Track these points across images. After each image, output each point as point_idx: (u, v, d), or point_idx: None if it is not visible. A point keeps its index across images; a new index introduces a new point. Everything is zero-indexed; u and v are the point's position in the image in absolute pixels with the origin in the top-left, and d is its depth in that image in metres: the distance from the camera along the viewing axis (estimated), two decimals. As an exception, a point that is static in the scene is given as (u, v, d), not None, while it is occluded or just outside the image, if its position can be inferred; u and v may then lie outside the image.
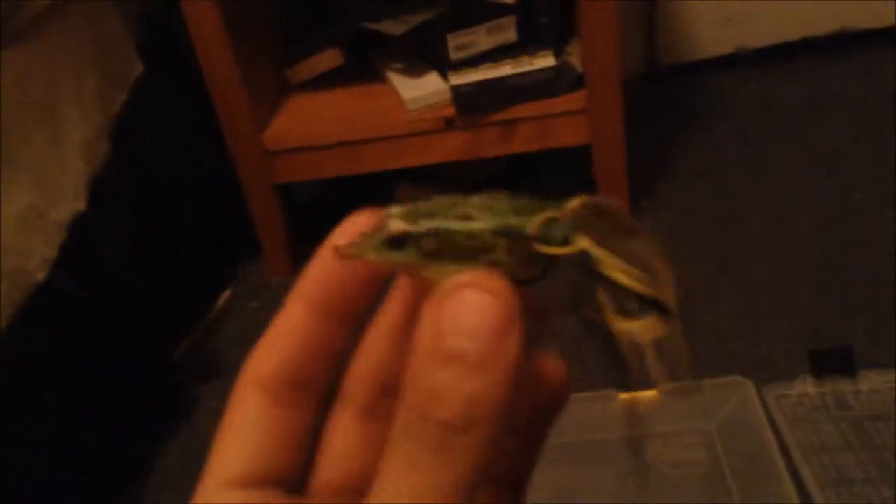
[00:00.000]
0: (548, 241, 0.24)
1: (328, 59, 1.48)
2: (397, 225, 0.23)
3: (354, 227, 0.25)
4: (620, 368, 0.25)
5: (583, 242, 0.24)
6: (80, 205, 1.06)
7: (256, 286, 1.52)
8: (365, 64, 1.51)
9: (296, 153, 1.41)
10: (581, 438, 1.04)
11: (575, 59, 1.33)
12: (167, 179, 1.36)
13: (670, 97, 1.84)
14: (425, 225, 0.23)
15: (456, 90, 1.32)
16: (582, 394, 1.06)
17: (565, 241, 0.24)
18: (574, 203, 0.24)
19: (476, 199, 0.24)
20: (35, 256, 0.97)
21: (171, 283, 1.34)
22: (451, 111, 1.35)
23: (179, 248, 1.39)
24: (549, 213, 0.24)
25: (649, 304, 0.24)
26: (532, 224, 0.24)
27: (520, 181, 1.64)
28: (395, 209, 0.24)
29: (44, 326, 0.99)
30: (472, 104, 1.33)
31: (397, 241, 0.24)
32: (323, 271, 0.26)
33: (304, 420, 0.26)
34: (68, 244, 1.02)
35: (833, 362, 1.11)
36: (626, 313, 0.24)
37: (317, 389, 0.26)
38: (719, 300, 1.28)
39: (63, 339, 1.04)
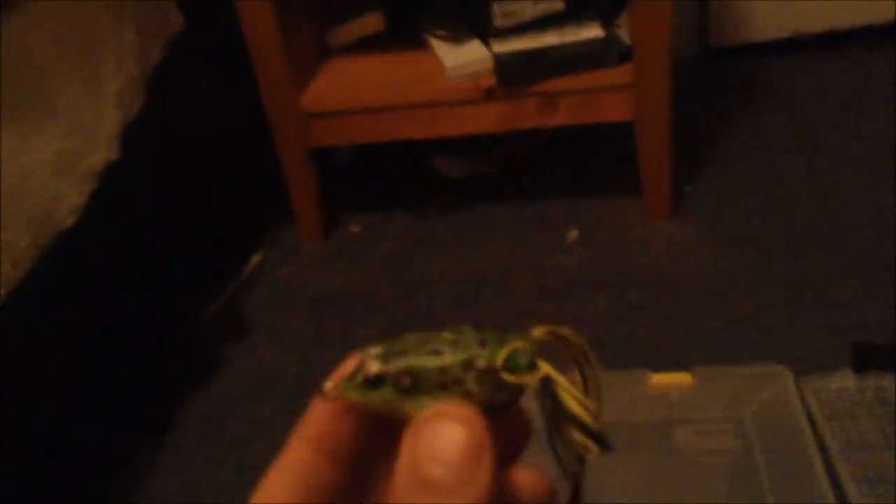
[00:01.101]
0: (513, 370, 0.25)
1: (370, 23, 1.46)
2: (373, 366, 0.26)
3: (344, 369, 0.27)
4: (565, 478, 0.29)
5: (545, 368, 0.26)
6: (113, 154, 1.05)
7: (287, 251, 1.50)
8: (407, 29, 1.48)
9: (332, 117, 1.39)
10: (606, 420, 1.01)
11: (623, 31, 1.29)
12: (201, 137, 1.35)
13: (721, 80, 1.78)
14: (398, 364, 0.25)
15: (498, 58, 1.29)
16: (610, 373, 1.03)
17: (530, 368, 0.26)
18: (537, 332, 0.27)
19: (444, 335, 0.26)
20: (65, 202, 0.97)
21: (201, 243, 1.33)
22: (492, 81, 1.31)
23: (210, 207, 1.38)
24: (513, 345, 0.26)
25: (590, 434, 0.27)
26: (498, 356, 0.25)
27: (560, 157, 1.61)
28: (372, 350, 0.26)
29: (68, 274, 0.98)
30: (513, 74, 1.29)
31: (375, 381, 0.26)
32: (320, 411, 0.28)
33: None
34: (99, 193, 1.01)
35: (876, 357, 1.07)
36: (570, 438, 0.27)
37: None
38: (761, 289, 1.24)
39: (87, 289, 1.03)
